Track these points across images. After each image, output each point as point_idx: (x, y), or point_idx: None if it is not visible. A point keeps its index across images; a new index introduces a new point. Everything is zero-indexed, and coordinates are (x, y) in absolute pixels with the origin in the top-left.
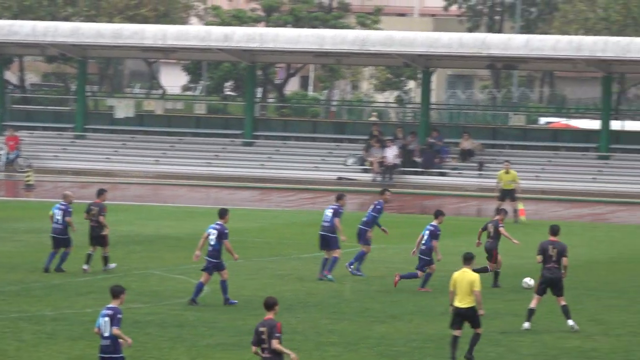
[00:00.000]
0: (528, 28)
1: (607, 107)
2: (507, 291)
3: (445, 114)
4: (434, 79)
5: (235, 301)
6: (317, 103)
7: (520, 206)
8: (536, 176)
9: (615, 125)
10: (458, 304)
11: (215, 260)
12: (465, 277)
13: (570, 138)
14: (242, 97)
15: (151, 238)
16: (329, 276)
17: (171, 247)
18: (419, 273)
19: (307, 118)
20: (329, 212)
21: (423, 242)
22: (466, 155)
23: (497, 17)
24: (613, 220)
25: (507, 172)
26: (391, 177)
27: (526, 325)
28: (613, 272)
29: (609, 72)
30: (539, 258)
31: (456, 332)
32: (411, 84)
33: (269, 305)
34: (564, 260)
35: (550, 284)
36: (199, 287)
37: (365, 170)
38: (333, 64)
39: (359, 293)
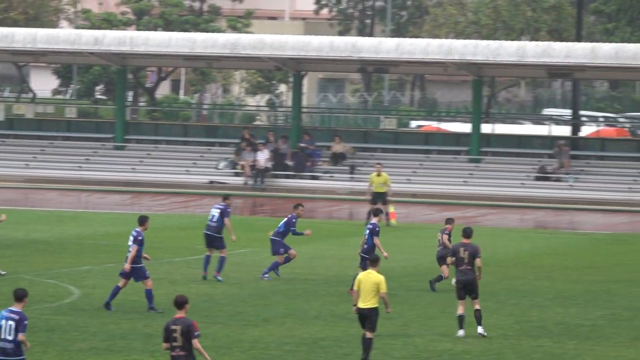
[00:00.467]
0: (399, 31)
1: (478, 111)
2: None
3: (317, 117)
4: (305, 82)
5: (160, 310)
6: (188, 107)
7: (392, 209)
8: (408, 179)
9: (486, 128)
10: (361, 304)
11: (132, 265)
12: (370, 278)
13: (441, 141)
14: (113, 101)
15: (21, 242)
16: (219, 277)
17: (41, 251)
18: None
19: (178, 122)
20: (215, 212)
21: (365, 241)
22: (338, 158)
23: (367, 21)
24: (484, 223)
25: (378, 175)
26: (263, 181)
27: (461, 332)
28: (483, 274)
29: (480, 75)
30: (450, 260)
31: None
32: (282, 88)
33: (180, 303)
34: (478, 261)
35: (465, 286)
36: (147, 294)
37: (237, 174)
38: (204, 68)
39: (232, 296)
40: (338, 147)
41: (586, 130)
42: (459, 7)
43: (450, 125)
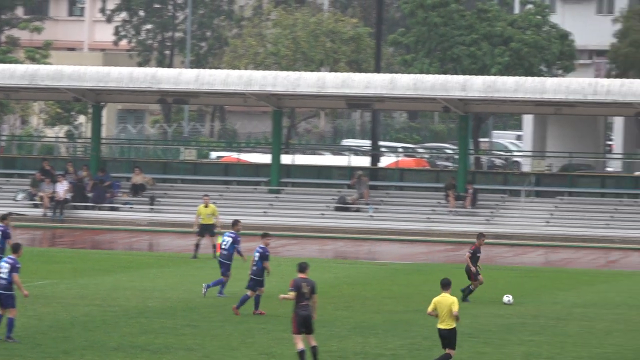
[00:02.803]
0: (198, 62)
1: (278, 141)
2: (181, 326)
3: (117, 148)
4: (104, 113)
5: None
6: None
7: (219, 240)
8: None
9: (286, 159)
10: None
11: (7, 292)
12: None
13: (241, 172)
14: None
15: None
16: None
17: None
18: (250, 292)
19: None
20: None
21: (254, 263)
22: (137, 189)
23: (167, 52)
24: (284, 253)
25: (206, 206)
26: (62, 212)
27: None
28: (284, 305)
29: (279, 106)
30: (292, 295)
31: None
32: (82, 119)
33: None
34: (315, 297)
35: (305, 321)
36: (10, 323)
37: (36, 206)
38: (2, 99)
39: (31, 329)
40: (138, 178)
41: (385, 161)
42: (258, 38)
43: (250, 156)
